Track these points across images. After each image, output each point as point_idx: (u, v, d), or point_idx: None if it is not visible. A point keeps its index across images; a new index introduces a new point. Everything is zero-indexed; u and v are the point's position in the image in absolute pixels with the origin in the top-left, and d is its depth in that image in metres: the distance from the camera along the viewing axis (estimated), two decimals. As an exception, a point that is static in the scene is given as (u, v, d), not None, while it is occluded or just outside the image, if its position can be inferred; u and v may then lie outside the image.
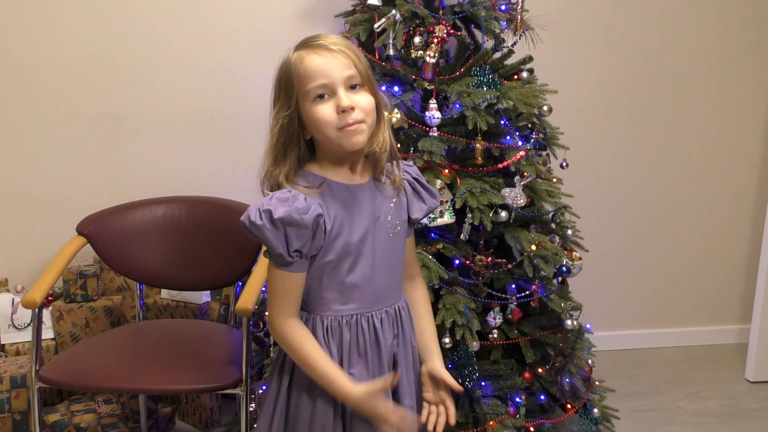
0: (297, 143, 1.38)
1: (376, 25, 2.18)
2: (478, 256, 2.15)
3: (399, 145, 2.17)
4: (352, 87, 1.34)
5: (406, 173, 1.49)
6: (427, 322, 1.58)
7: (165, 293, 2.67)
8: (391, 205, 1.44)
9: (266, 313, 2.35)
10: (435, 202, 1.53)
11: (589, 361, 2.46)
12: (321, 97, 1.32)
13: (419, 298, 1.59)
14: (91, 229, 2.21)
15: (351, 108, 1.31)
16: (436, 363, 1.51)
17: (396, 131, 2.16)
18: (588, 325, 2.47)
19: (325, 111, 1.32)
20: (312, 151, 1.41)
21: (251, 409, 2.26)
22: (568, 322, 2.24)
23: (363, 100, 1.34)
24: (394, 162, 1.45)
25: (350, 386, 1.36)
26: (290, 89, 1.35)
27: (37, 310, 1.97)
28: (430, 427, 1.47)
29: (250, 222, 1.30)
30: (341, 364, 1.40)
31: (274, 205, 1.30)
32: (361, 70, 1.34)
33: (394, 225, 1.44)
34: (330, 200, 1.37)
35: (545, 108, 2.23)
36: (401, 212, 1.47)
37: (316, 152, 1.41)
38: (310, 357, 1.38)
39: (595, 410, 2.41)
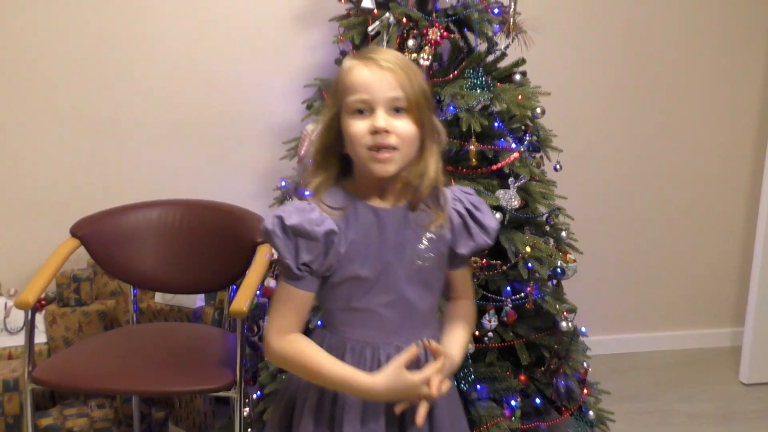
0: (334, 155, 1.32)
1: (370, 28, 2.19)
2: (473, 258, 2.15)
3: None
4: (396, 110, 1.26)
5: (459, 203, 1.39)
6: (458, 328, 1.44)
7: (159, 297, 2.66)
8: (425, 236, 1.35)
9: (261, 318, 2.35)
10: (485, 239, 1.39)
11: (584, 364, 2.46)
12: (360, 112, 1.26)
13: (459, 311, 1.48)
14: (84, 232, 2.21)
15: (385, 131, 1.24)
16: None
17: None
18: (583, 329, 2.47)
19: (359, 127, 1.25)
20: (351, 166, 1.34)
21: (245, 413, 2.26)
22: (563, 323, 2.24)
23: (402, 126, 1.26)
24: (441, 196, 1.36)
25: (370, 379, 1.28)
26: (335, 96, 1.30)
27: (30, 311, 1.96)
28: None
29: (264, 227, 1.27)
30: None
31: (288, 212, 1.26)
32: (409, 95, 1.25)
33: (423, 257, 1.34)
34: (352, 222, 1.30)
35: (538, 110, 2.23)
36: (439, 244, 1.36)
37: (353, 168, 1.34)
38: (315, 364, 1.30)
39: (591, 412, 2.40)
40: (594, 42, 3.07)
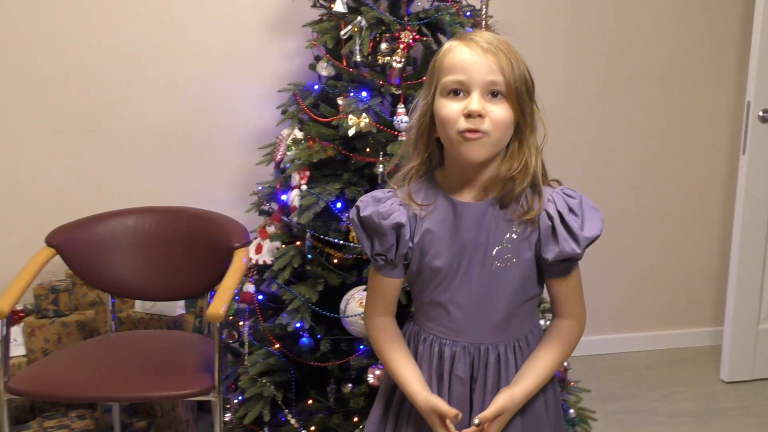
0: (428, 140, 1.30)
1: (342, 32, 2.20)
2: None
3: (369, 150, 2.19)
4: (494, 95, 1.21)
5: (552, 204, 1.28)
6: (543, 350, 1.34)
7: (138, 306, 2.65)
8: (507, 236, 1.27)
9: (240, 323, 2.35)
10: (573, 247, 1.25)
11: (564, 363, 2.46)
12: (456, 93, 1.22)
13: (552, 331, 1.37)
14: (60, 240, 2.20)
15: (479, 115, 1.19)
16: (504, 392, 1.29)
17: (365, 136, 2.18)
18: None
19: (452, 108, 1.21)
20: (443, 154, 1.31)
21: (226, 418, 2.25)
22: (541, 321, 2.25)
23: (497, 111, 1.20)
24: (539, 194, 1.28)
25: (418, 390, 1.31)
26: (432, 77, 1.27)
27: (4, 321, 1.95)
28: None
29: (350, 215, 1.30)
30: None
31: (365, 202, 1.28)
32: (509, 80, 1.20)
33: (502, 257, 1.27)
34: (430, 213, 1.29)
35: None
36: (522, 246, 1.28)
37: (445, 156, 1.31)
38: (387, 358, 1.36)
39: (572, 411, 2.41)
40: (567, 44, 3.10)
